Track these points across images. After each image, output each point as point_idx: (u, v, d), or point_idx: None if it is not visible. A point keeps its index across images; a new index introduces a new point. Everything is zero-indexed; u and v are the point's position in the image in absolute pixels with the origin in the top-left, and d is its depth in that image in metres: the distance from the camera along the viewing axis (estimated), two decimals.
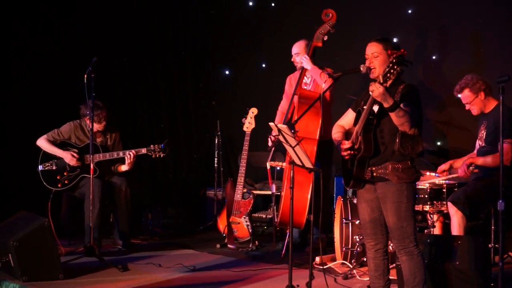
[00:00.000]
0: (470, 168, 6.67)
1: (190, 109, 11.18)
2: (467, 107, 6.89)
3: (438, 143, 8.25)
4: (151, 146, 7.96)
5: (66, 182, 7.78)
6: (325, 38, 7.66)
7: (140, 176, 10.52)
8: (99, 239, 7.70)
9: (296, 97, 7.50)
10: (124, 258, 7.29)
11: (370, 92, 4.93)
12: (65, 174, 7.80)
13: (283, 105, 8.14)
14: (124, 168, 8.01)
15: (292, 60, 7.93)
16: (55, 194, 7.86)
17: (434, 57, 8.47)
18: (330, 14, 7.61)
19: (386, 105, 4.89)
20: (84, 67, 7.06)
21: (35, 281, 6.11)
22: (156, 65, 11.08)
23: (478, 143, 6.93)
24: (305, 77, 7.78)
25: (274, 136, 7.60)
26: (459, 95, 6.87)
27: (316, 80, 7.62)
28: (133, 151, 7.89)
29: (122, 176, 8.17)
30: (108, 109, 8.03)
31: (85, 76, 6.91)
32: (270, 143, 7.81)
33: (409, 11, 8.58)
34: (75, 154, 7.74)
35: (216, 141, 9.68)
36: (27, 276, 6.12)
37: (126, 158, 7.86)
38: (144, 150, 7.95)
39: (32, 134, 8.09)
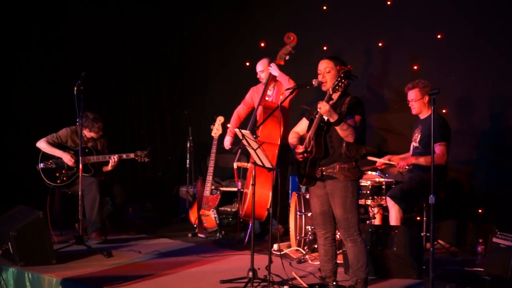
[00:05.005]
0: (410, 166, 6.81)
1: (166, 117, 11.20)
2: (410, 104, 7.01)
3: (379, 146, 8.35)
4: (138, 152, 8.04)
5: (64, 179, 7.75)
6: (287, 57, 7.77)
7: (122, 175, 10.52)
8: (103, 228, 7.70)
9: (260, 108, 7.59)
10: (108, 246, 7.27)
11: (318, 109, 5.05)
12: (63, 172, 7.75)
13: (240, 110, 8.21)
14: (108, 168, 8.02)
15: (258, 77, 8.02)
16: (52, 189, 7.87)
17: (375, 73, 8.59)
18: (292, 37, 7.74)
19: (331, 120, 5.01)
20: (74, 80, 7.03)
21: (31, 265, 6.11)
22: (137, 79, 11.11)
23: (413, 145, 7.05)
24: (268, 90, 7.86)
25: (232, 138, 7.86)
26: (408, 92, 7.01)
27: (284, 85, 7.63)
28: (120, 155, 7.95)
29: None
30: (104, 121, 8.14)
31: (75, 88, 6.89)
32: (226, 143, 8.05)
33: (354, 32, 8.69)
34: (73, 155, 7.74)
35: (188, 145, 9.67)
36: (24, 261, 6.11)
37: (110, 160, 7.89)
38: (132, 155, 8.02)
39: (29, 138, 8.06)
